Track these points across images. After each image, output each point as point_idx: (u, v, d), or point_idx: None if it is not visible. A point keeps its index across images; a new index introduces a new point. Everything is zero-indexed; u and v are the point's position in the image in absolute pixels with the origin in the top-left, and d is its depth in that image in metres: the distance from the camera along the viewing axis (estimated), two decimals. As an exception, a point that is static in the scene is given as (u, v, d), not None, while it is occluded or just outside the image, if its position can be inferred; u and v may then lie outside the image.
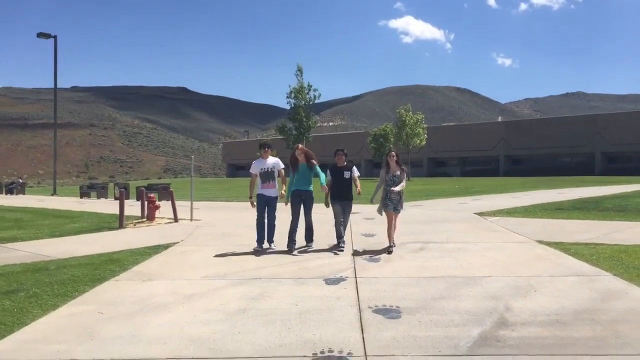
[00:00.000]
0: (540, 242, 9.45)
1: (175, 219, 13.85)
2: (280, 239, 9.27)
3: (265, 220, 9.09)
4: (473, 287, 6.34)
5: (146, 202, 14.19)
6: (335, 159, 9.11)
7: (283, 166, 9.24)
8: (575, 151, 66.52)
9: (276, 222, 9.22)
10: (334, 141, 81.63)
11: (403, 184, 8.80)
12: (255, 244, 9.15)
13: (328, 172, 9.07)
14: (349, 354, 4.27)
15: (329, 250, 9.04)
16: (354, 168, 9.19)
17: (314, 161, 9.07)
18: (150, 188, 24.95)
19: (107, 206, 21.67)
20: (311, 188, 9.11)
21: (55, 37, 34.24)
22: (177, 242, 10.34)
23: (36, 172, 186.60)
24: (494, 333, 4.72)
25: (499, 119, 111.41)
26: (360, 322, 5.09)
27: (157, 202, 14.04)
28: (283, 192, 9.02)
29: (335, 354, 4.29)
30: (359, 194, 8.88)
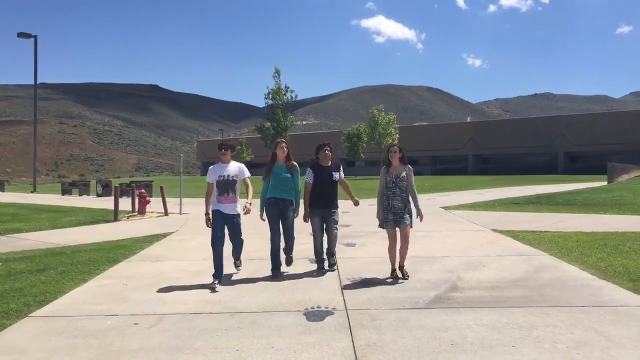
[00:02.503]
0: (494, 230, 10.87)
1: (166, 213, 14.94)
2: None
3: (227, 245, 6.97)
4: (433, 264, 7.64)
5: (137, 198, 15.20)
6: (319, 157, 7.16)
7: (249, 174, 7.02)
8: (540, 151, 69.17)
9: (244, 241, 7.28)
10: (308, 140, 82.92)
11: (416, 200, 6.81)
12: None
13: (310, 171, 7.12)
14: (333, 308, 5.51)
15: (309, 274, 7.15)
16: (341, 169, 7.34)
17: (294, 163, 7.19)
18: (130, 185, 25.78)
19: (94, 202, 22.55)
20: (291, 196, 7.15)
21: (35, 37, 34.77)
22: (173, 232, 11.44)
23: (4, 170, 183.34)
24: (447, 294, 6.01)
25: (468, 119, 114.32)
26: (341, 288, 6.35)
27: (148, 198, 15.06)
28: (248, 204, 6.58)
29: (323, 309, 5.52)
30: (356, 204, 7.50)
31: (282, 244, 7.26)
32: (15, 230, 12.16)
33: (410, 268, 7.35)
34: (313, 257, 8.24)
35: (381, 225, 6.83)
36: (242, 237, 7.16)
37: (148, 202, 15.14)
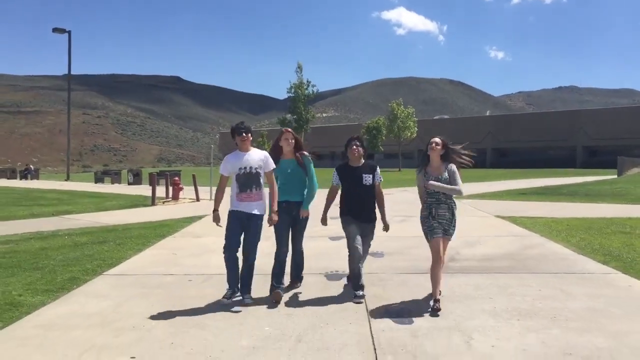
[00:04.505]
0: (497, 216, 11.98)
1: (197, 199, 16.30)
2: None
3: (239, 253, 5.61)
4: (437, 242, 8.81)
5: (171, 185, 16.59)
6: (348, 154, 5.77)
7: (274, 166, 5.67)
8: (559, 145, 69.44)
9: (257, 259, 5.75)
10: (327, 133, 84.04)
11: (458, 187, 5.38)
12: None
13: (336, 174, 5.79)
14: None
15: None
16: (378, 169, 5.89)
17: (306, 153, 5.96)
18: (160, 175, 27.31)
19: (127, 189, 24.10)
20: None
21: (69, 32, 36.56)
22: (207, 215, 12.73)
23: (30, 160, 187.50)
24: (445, 264, 7.18)
25: (487, 113, 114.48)
26: (356, 258, 7.55)
27: (181, 185, 16.44)
28: (273, 214, 5.57)
29: (340, 272, 6.74)
30: (385, 228, 5.94)
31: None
32: (65, 212, 13.59)
33: (415, 245, 8.49)
34: (332, 236, 9.41)
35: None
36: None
37: (181, 189, 16.54)
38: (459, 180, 5.39)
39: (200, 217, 12.23)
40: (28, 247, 8.46)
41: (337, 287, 6.03)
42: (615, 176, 29.04)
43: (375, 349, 4.17)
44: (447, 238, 5.56)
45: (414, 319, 4.94)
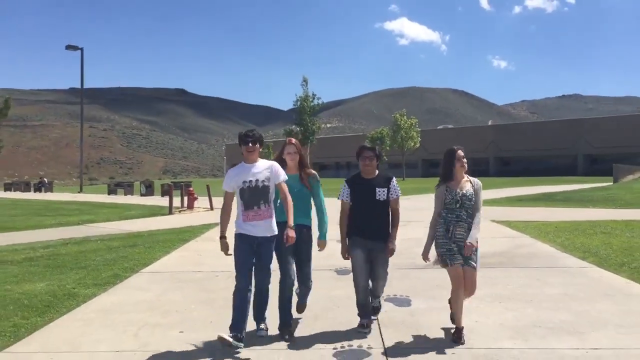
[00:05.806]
0: (493, 220, 12.87)
1: (211, 208, 17.26)
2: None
3: (252, 285, 4.87)
4: (435, 243, 9.73)
5: (186, 195, 17.58)
6: (360, 164, 5.00)
7: (285, 177, 4.83)
8: (560, 153, 70.27)
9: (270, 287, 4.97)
10: (331, 143, 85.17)
11: (478, 222, 4.86)
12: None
13: (346, 187, 5.03)
14: (356, 268, 7.64)
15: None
16: (394, 181, 5.09)
17: (313, 172, 5.25)
18: (174, 186, 28.41)
19: (141, 200, 25.12)
20: (310, 221, 5.26)
21: (82, 49, 37.97)
22: (223, 222, 13.71)
23: (36, 173, 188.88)
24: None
25: (489, 122, 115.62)
26: (362, 257, 8.48)
27: (196, 195, 17.43)
28: (289, 229, 4.69)
29: (349, 268, 7.59)
30: (390, 252, 5.12)
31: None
32: (89, 221, 14.56)
33: (414, 245, 9.34)
34: (338, 239, 10.32)
35: (425, 258, 5.07)
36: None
37: (196, 198, 17.52)
38: (481, 201, 4.88)
39: (216, 224, 13.07)
40: (68, 250, 9.41)
41: (345, 280, 6.94)
42: (611, 183, 29.84)
43: (379, 325, 5.10)
44: (470, 269, 4.75)
45: (412, 302, 5.88)
